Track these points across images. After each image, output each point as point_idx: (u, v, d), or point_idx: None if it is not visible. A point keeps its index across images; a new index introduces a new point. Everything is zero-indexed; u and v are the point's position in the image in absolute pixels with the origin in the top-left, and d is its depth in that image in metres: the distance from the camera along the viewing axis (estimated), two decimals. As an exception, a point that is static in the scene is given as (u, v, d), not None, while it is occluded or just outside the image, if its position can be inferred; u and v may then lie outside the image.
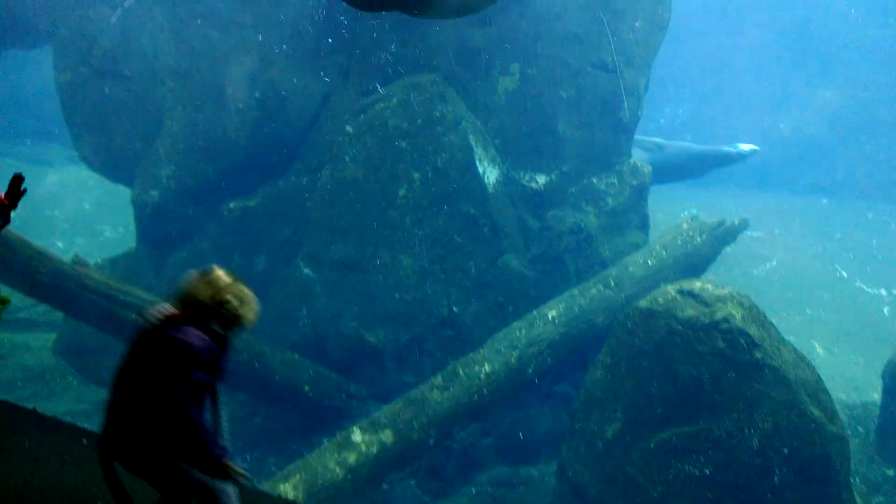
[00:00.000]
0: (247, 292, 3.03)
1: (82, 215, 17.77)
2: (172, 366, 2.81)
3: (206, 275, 3.02)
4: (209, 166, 10.38)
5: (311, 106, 10.34)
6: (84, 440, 3.80)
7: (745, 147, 16.34)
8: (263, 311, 9.91)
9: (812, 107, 23.46)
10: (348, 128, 9.76)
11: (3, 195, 3.39)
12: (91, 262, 10.84)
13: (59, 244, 15.23)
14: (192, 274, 3.04)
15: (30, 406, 4.11)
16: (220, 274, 3.02)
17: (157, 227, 10.76)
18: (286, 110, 10.28)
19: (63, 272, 8.69)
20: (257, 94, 10.21)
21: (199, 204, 10.50)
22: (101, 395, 10.16)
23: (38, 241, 9.29)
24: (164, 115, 10.62)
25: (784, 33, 23.41)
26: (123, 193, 11.75)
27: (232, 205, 10.31)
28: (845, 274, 16.35)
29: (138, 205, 10.83)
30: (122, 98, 10.79)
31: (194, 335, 2.86)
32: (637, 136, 14.28)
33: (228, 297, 2.97)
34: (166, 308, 2.96)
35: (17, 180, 3.39)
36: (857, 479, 8.58)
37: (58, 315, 11.18)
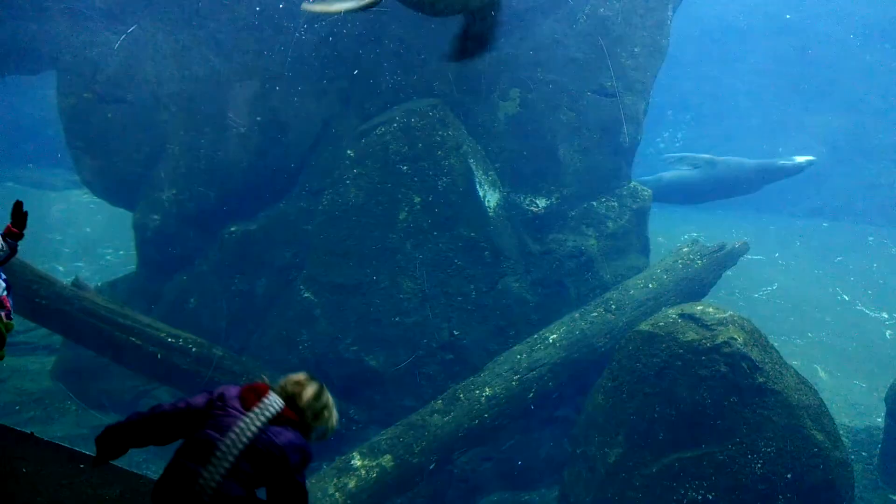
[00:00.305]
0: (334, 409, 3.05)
1: (84, 239, 17.81)
2: (290, 467, 2.78)
3: (316, 386, 3.03)
4: (210, 190, 10.43)
5: (312, 130, 10.41)
6: (82, 465, 3.77)
7: (802, 159, 15.45)
8: (264, 334, 9.90)
9: (810, 131, 23.59)
10: (349, 152, 9.81)
11: (9, 225, 3.41)
12: (92, 285, 10.85)
13: (61, 268, 15.24)
14: (301, 379, 3.03)
15: (28, 430, 4.08)
16: (327, 393, 3.07)
17: (158, 251, 10.78)
18: (287, 135, 10.35)
19: (63, 296, 8.68)
20: (259, 119, 10.28)
21: (200, 227, 10.53)
22: (100, 419, 10.12)
23: (39, 265, 9.30)
24: (165, 139, 10.69)
25: (782, 59, 23.62)
26: (125, 217, 11.78)
27: (233, 228, 10.33)
28: (846, 297, 16.34)
29: (139, 228, 10.86)
30: (124, 123, 10.85)
31: (301, 438, 2.86)
32: (686, 154, 14.07)
33: (327, 413, 3.01)
34: (274, 403, 2.89)
35: (19, 207, 3.41)
36: (862, 505, 8.49)
37: (57, 338, 11.16)
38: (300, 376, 3.02)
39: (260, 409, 2.81)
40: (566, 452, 8.73)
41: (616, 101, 10.30)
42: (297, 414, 2.90)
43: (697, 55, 23.61)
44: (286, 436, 2.79)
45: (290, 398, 2.94)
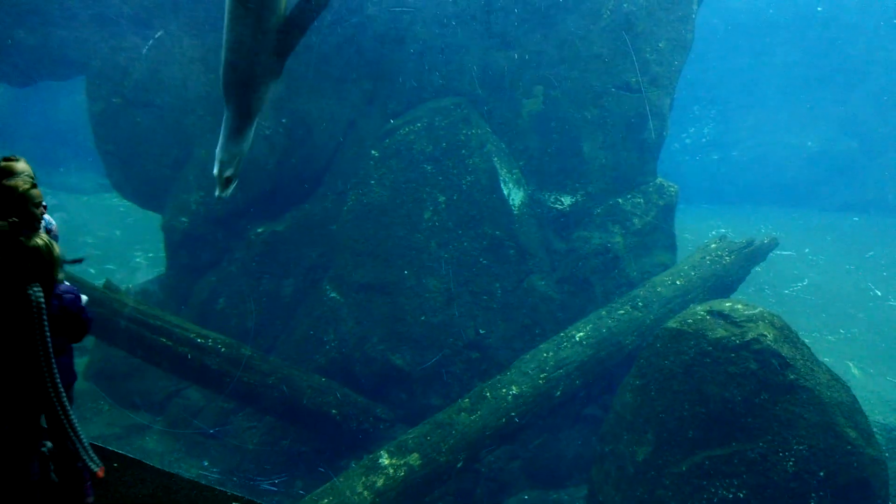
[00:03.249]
0: None
1: (113, 242, 18.09)
2: None
3: None
4: (238, 192, 10.44)
5: (337, 131, 10.47)
6: (115, 464, 3.84)
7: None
8: (291, 334, 9.97)
9: (840, 124, 23.22)
10: (374, 152, 9.85)
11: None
12: (122, 287, 11.01)
13: (91, 270, 15.49)
14: None
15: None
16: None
17: (186, 253, 10.92)
18: (312, 136, 10.41)
19: (94, 298, 8.82)
20: (284, 121, 10.36)
21: (228, 229, 10.64)
22: (132, 419, 10.28)
23: (70, 268, 9.45)
24: (193, 142, 10.82)
25: (811, 51, 23.27)
26: (154, 220, 11.95)
27: (260, 229, 10.43)
28: (879, 292, 16.04)
29: (168, 230, 11.01)
30: (152, 126, 11.02)
31: None
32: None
33: None
34: None
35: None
36: (898, 504, 8.34)
37: (89, 340, 11.35)
38: None
39: None
40: (594, 451, 8.68)
41: (641, 96, 10.22)
42: None
43: (724, 48, 23.35)
44: None
45: None
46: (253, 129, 5.65)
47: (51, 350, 3.08)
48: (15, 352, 3.08)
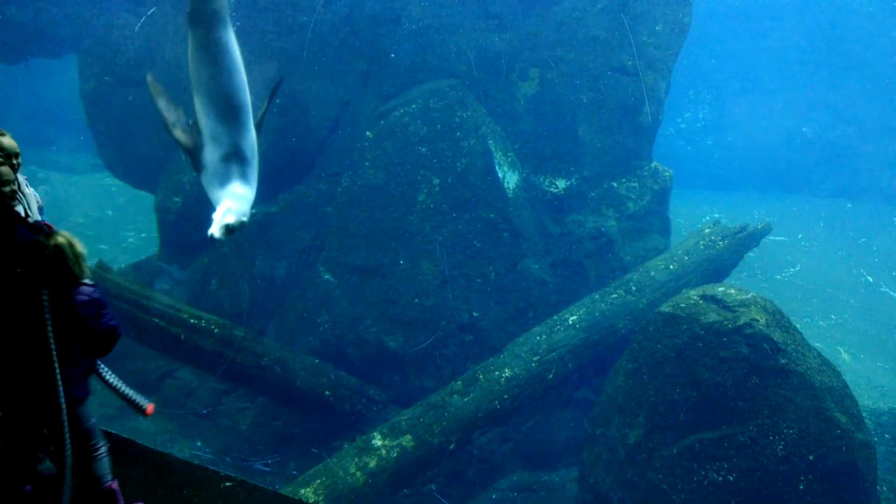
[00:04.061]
0: None
1: (106, 221, 17.99)
2: None
3: None
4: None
5: (332, 112, 10.40)
6: (108, 444, 3.83)
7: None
8: (285, 315, 9.95)
9: (836, 110, 23.20)
10: (368, 133, 9.80)
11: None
12: (114, 267, 10.97)
13: (84, 250, 15.41)
14: None
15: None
16: None
17: (179, 233, 10.87)
18: (307, 117, 10.34)
19: (87, 277, 8.78)
20: (278, 101, 10.28)
21: (221, 210, 10.58)
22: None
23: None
24: (186, 121, 10.74)
25: (808, 36, 23.19)
26: (146, 200, 11.88)
27: (253, 210, 10.37)
28: (870, 279, 16.12)
29: (161, 211, 10.95)
30: (145, 106, 10.90)
31: None
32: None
33: None
34: None
35: None
36: (885, 487, 8.43)
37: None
38: None
39: None
40: (586, 433, 8.73)
41: (637, 79, 10.18)
42: None
43: (721, 33, 23.26)
44: None
45: None
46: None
47: (55, 358, 2.87)
48: (20, 358, 2.87)
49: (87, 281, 3.01)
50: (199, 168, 5.09)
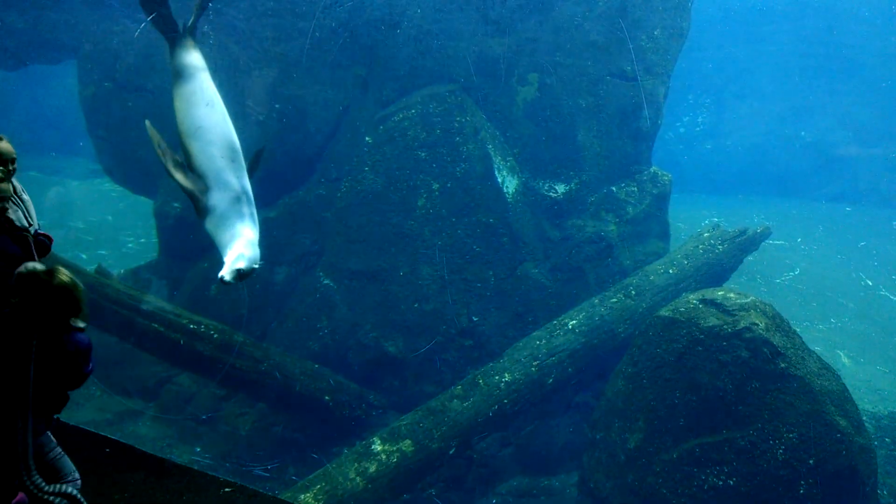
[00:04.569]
0: None
1: (105, 227, 17.99)
2: None
3: None
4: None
5: (331, 117, 10.41)
6: (107, 449, 3.83)
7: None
8: (284, 320, 9.94)
9: (835, 114, 23.24)
10: (368, 139, 9.81)
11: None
12: (114, 272, 10.97)
13: (83, 255, 15.42)
14: None
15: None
16: None
17: (178, 238, 10.87)
18: (306, 122, 10.36)
19: (86, 283, 8.77)
20: (277, 106, 10.30)
21: (221, 215, 10.58)
22: (124, 405, 10.26)
23: (62, 253, 9.41)
24: (185, 127, 10.74)
25: (806, 40, 23.25)
26: (145, 205, 11.89)
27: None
28: (870, 282, 16.12)
29: (160, 216, 10.95)
30: (144, 111, 10.91)
31: None
32: None
33: None
34: None
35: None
36: (885, 491, 8.42)
37: (81, 326, 11.28)
38: None
39: None
40: (585, 438, 8.73)
41: (636, 84, 10.20)
42: None
43: (719, 37, 23.30)
44: None
45: None
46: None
47: (30, 417, 2.62)
48: None
49: (80, 324, 2.84)
50: (204, 212, 5.10)
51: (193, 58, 5.40)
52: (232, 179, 5.13)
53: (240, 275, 4.94)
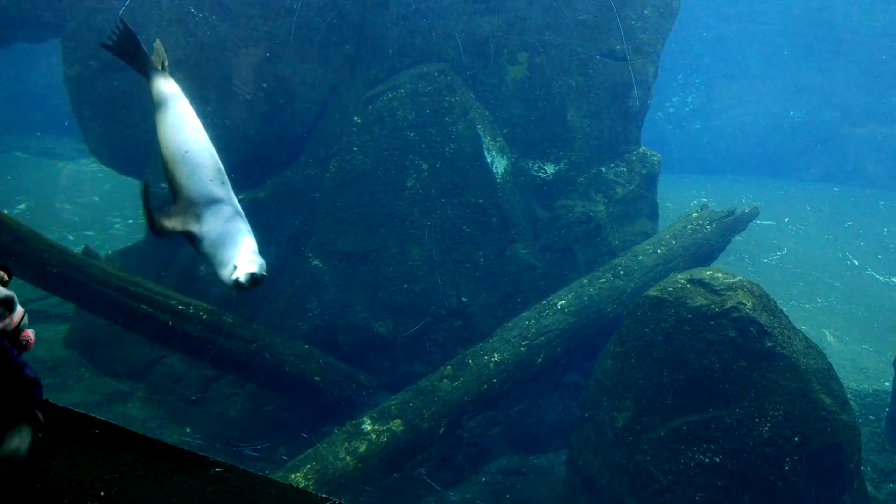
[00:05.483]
0: None
1: (92, 208, 17.86)
2: None
3: None
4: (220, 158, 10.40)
5: (319, 97, 10.34)
6: (97, 430, 3.83)
7: None
8: (274, 301, 9.94)
9: (823, 94, 23.29)
10: (356, 118, 9.76)
11: None
12: (101, 254, 10.91)
13: (70, 237, 15.32)
14: None
15: (43, 397, 4.14)
16: None
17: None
18: (294, 102, 10.29)
19: (73, 264, 8.73)
20: (265, 86, 10.21)
21: (209, 196, 10.52)
22: (114, 386, 10.26)
23: (48, 234, 9.34)
24: (172, 107, 10.64)
25: (796, 20, 23.24)
26: (132, 186, 11.80)
27: (240, 196, 10.29)
28: (856, 262, 16.27)
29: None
30: (130, 91, 10.81)
31: None
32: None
33: None
34: None
35: None
36: (869, 468, 8.55)
37: (69, 307, 11.27)
38: None
39: None
40: (574, 417, 8.80)
41: (626, 64, 10.17)
42: None
43: (710, 17, 23.25)
44: None
45: None
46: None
47: None
48: None
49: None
50: (200, 240, 5.05)
51: (171, 87, 5.43)
52: (224, 199, 5.12)
53: (253, 279, 4.93)
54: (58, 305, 11.80)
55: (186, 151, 5.16)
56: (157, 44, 5.74)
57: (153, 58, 5.71)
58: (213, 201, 5.10)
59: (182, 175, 5.15)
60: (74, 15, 10.96)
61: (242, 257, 5.02)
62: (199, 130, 5.32)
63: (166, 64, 5.68)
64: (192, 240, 5.13)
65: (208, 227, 5.07)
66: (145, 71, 5.66)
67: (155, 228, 5.10)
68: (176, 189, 5.20)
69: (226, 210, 5.15)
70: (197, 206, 5.10)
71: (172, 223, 5.10)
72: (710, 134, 24.09)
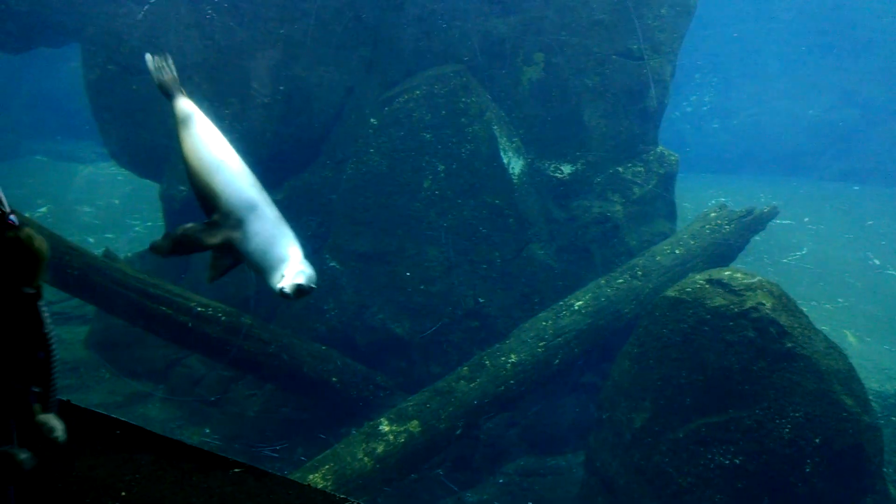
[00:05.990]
0: None
1: (112, 211, 18.04)
2: None
3: None
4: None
5: (336, 99, 10.38)
6: (117, 431, 3.87)
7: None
8: (291, 303, 9.98)
9: (843, 92, 23.04)
10: (373, 120, 9.79)
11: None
12: (121, 256, 11.01)
13: (90, 239, 15.48)
14: None
15: (64, 398, 4.18)
16: None
17: (185, 221, 10.86)
18: (311, 104, 10.33)
19: (94, 266, 8.83)
20: (282, 88, 10.26)
21: (226, 198, 10.59)
22: (134, 387, 10.35)
23: (69, 237, 9.45)
24: (190, 110, 10.73)
25: (814, 18, 23.01)
26: (152, 188, 11.91)
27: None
28: (878, 262, 16.07)
29: (167, 199, 10.97)
30: (149, 94, 10.87)
31: None
32: None
33: None
34: None
35: None
36: (891, 469, 8.44)
37: (90, 308, 11.38)
38: None
39: None
40: (592, 418, 8.76)
41: (642, 63, 10.12)
42: None
43: (727, 15, 23.09)
44: None
45: None
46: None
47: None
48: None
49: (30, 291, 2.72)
50: (246, 245, 5.08)
51: (190, 105, 5.51)
52: (265, 203, 5.17)
53: (300, 290, 4.94)
54: (78, 307, 11.93)
55: (221, 160, 5.20)
56: (168, 59, 5.80)
57: (174, 77, 5.70)
58: (256, 208, 5.11)
59: (220, 184, 5.16)
60: (94, 20, 11.08)
61: (292, 268, 5.02)
62: (225, 140, 5.39)
63: (177, 77, 5.66)
64: (230, 249, 5.13)
65: (254, 230, 5.09)
66: (172, 94, 5.72)
67: (208, 244, 5.07)
68: (213, 198, 5.19)
69: (269, 213, 5.18)
70: (238, 211, 5.11)
71: (216, 237, 5.10)
72: (728, 133, 23.91)
